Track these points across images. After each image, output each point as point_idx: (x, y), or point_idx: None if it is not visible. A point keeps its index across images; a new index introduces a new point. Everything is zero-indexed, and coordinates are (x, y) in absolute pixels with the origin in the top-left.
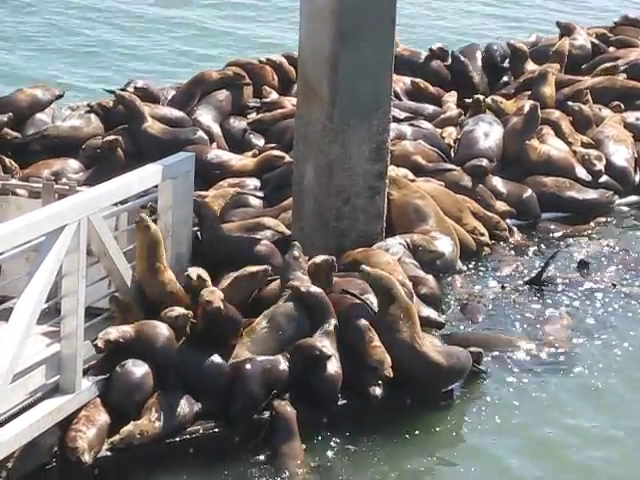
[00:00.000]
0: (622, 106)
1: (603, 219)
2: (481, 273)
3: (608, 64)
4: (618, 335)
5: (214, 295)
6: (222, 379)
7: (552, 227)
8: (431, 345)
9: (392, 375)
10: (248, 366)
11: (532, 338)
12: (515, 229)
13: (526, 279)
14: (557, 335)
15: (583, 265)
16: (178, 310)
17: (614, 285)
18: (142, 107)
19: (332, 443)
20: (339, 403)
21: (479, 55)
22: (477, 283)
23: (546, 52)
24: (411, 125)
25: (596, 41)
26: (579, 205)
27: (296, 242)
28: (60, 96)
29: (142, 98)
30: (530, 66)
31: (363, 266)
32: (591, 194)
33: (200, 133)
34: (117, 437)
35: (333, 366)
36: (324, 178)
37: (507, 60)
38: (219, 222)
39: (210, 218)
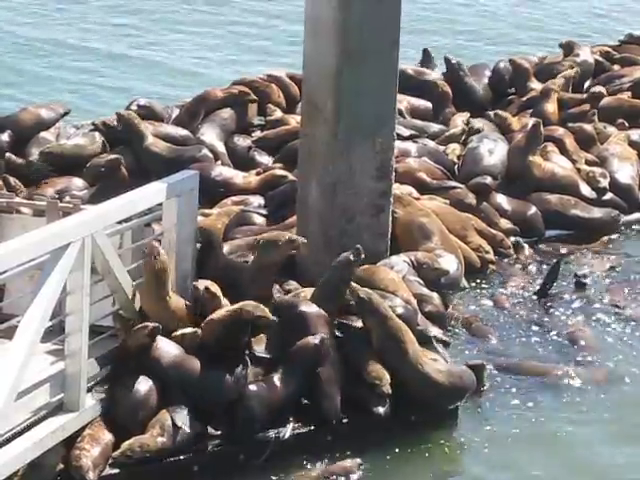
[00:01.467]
0: (626, 124)
1: (611, 237)
2: (485, 291)
3: (595, 89)
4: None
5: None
6: (227, 397)
7: (557, 245)
8: (432, 363)
9: (390, 391)
10: (251, 386)
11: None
12: (526, 246)
13: (534, 291)
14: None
15: (580, 285)
16: (184, 330)
17: (617, 307)
18: (142, 126)
19: (335, 461)
20: (343, 421)
21: (487, 73)
22: (482, 301)
23: (550, 70)
24: (415, 142)
25: (600, 59)
26: (584, 224)
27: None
28: (65, 114)
29: (145, 117)
30: (534, 84)
31: (352, 284)
32: (596, 213)
33: (205, 151)
34: (118, 452)
35: (331, 379)
36: (328, 196)
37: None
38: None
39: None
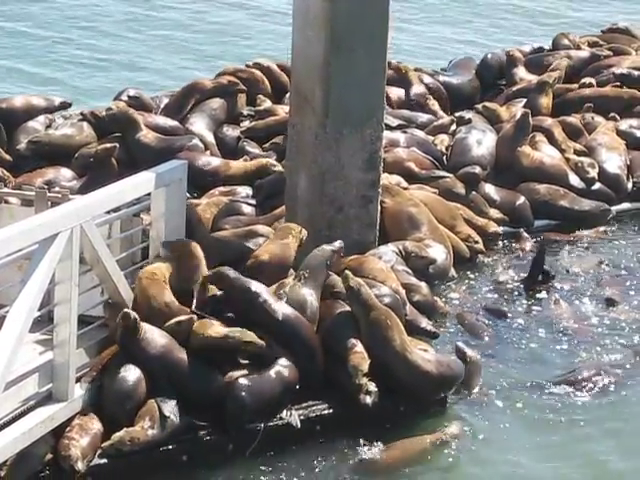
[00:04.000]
0: (618, 117)
1: (599, 228)
2: (474, 281)
3: (585, 80)
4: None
5: None
6: (216, 387)
7: (547, 235)
8: (421, 353)
9: (362, 383)
10: (241, 377)
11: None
12: (528, 236)
13: (523, 276)
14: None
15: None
16: (178, 317)
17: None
18: (136, 116)
19: (325, 451)
20: (331, 411)
21: (473, 66)
22: (472, 291)
23: (540, 62)
24: (404, 133)
25: (593, 50)
26: (572, 215)
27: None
28: (63, 107)
29: (135, 107)
30: (523, 74)
31: (346, 272)
32: (585, 206)
33: (196, 140)
34: (108, 443)
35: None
36: (317, 187)
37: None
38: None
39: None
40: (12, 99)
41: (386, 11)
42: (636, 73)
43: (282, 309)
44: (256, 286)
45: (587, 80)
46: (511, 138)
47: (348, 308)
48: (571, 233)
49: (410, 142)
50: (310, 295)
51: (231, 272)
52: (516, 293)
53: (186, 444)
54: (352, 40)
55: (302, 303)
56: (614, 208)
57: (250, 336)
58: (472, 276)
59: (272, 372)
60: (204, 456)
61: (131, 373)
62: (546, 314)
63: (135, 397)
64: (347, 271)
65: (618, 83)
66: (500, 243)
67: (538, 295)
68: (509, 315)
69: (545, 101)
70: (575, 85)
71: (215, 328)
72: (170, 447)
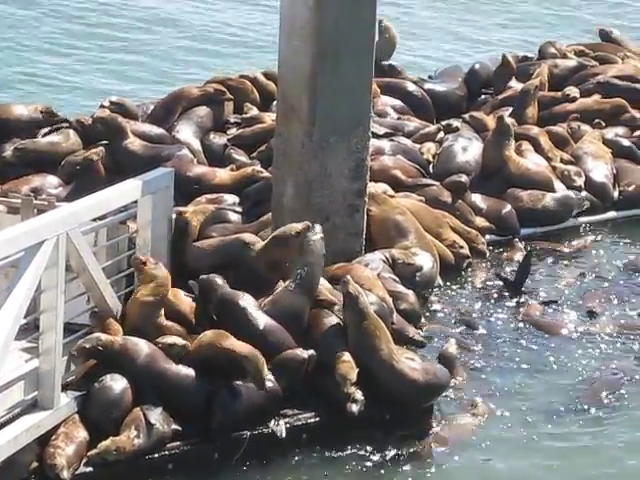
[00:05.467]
0: (602, 123)
1: (586, 238)
2: (460, 290)
3: (569, 90)
4: None
5: None
6: (202, 396)
7: (533, 244)
8: (407, 362)
9: (351, 392)
10: (227, 384)
11: None
12: (520, 246)
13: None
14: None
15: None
16: (174, 339)
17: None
18: (124, 124)
19: (311, 459)
20: (318, 419)
21: (460, 74)
22: (457, 301)
23: (527, 70)
24: (391, 141)
25: (575, 58)
26: (553, 212)
27: None
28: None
29: (118, 114)
30: (513, 82)
31: (347, 276)
32: (562, 193)
33: (185, 150)
34: (94, 451)
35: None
36: (303, 196)
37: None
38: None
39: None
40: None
41: (373, 20)
42: (618, 82)
43: (263, 321)
44: (241, 296)
45: (571, 92)
46: (494, 144)
47: (335, 317)
48: (557, 242)
49: (396, 150)
50: (300, 304)
51: (219, 280)
52: (501, 300)
53: (172, 452)
54: (339, 49)
55: (290, 313)
56: (600, 217)
57: (263, 365)
58: (456, 284)
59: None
60: (190, 465)
61: (117, 381)
62: (528, 321)
63: (121, 405)
64: (348, 276)
65: (601, 92)
66: (487, 251)
67: (522, 302)
68: (481, 326)
69: (530, 109)
70: (560, 93)
71: (236, 342)
72: (156, 455)
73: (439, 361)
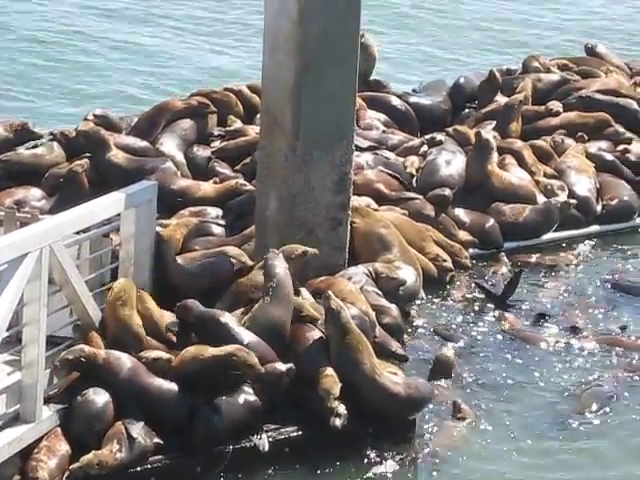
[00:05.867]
0: (585, 137)
1: (569, 252)
2: (443, 302)
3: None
4: None
5: None
6: (184, 410)
7: (516, 257)
8: (390, 376)
9: (334, 406)
10: (210, 398)
11: None
12: (506, 260)
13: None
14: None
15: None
16: (158, 353)
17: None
18: (107, 136)
19: (294, 474)
20: (300, 433)
21: (444, 88)
22: (439, 315)
23: (511, 84)
24: (374, 154)
25: (558, 72)
26: (535, 224)
27: None
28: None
29: (101, 127)
30: (498, 96)
31: (329, 292)
32: (543, 205)
33: (169, 163)
34: (76, 465)
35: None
36: (287, 209)
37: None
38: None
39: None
40: None
41: (356, 34)
42: (599, 97)
43: (247, 336)
44: (220, 314)
45: (554, 106)
46: (476, 158)
47: (318, 331)
48: (540, 255)
49: (377, 162)
50: (279, 316)
51: (194, 304)
52: (483, 313)
53: (154, 466)
54: (322, 63)
55: (270, 326)
56: (583, 231)
57: (253, 359)
58: (439, 298)
59: (240, 395)
60: (172, 478)
61: (99, 395)
62: (512, 334)
63: (103, 419)
64: (330, 291)
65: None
66: (471, 264)
67: (505, 315)
68: (463, 340)
69: (514, 124)
70: (543, 107)
71: (213, 349)
72: (138, 469)
73: (434, 365)
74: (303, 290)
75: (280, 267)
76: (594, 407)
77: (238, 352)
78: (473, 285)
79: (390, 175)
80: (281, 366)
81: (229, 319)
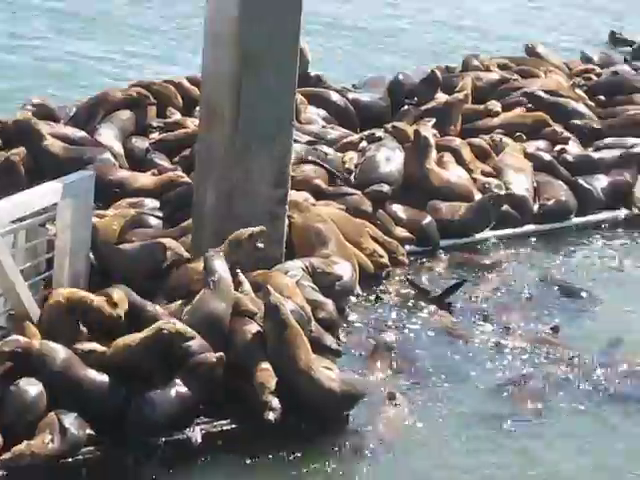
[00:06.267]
0: (524, 136)
1: (506, 251)
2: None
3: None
4: None
5: None
6: (117, 401)
7: (454, 255)
8: (325, 372)
9: (269, 400)
10: (146, 387)
11: None
12: (444, 258)
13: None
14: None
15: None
16: (93, 345)
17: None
18: (39, 126)
19: (227, 466)
20: (234, 426)
21: (384, 84)
22: (374, 310)
23: (451, 82)
24: (315, 150)
25: (498, 71)
26: (470, 222)
27: None
28: None
29: (39, 115)
30: (439, 94)
31: (268, 286)
32: (479, 202)
33: (107, 154)
34: (7, 455)
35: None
36: (225, 202)
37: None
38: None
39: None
40: None
41: (297, 28)
42: (544, 95)
43: None
44: (151, 306)
45: (493, 106)
46: (414, 156)
47: (256, 325)
48: (475, 254)
49: (308, 153)
50: (220, 308)
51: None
52: (417, 310)
53: (87, 457)
54: (262, 57)
55: (211, 318)
56: (519, 230)
57: (183, 327)
58: (375, 294)
59: (174, 387)
60: (104, 470)
61: (32, 385)
62: (443, 330)
63: (36, 409)
64: (269, 286)
65: (526, 103)
66: (407, 261)
67: (439, 313)
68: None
69: (454, 122)
70: (482, 106)
71: (141, 333)
72: (70, 460)
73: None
74: (245, 282)
75: (220, 263)
76: (525, 403)
77: (165, 325)
78: (407, 282)
79: (323, 168)
80: (211, 356)
81: (156, 309)
